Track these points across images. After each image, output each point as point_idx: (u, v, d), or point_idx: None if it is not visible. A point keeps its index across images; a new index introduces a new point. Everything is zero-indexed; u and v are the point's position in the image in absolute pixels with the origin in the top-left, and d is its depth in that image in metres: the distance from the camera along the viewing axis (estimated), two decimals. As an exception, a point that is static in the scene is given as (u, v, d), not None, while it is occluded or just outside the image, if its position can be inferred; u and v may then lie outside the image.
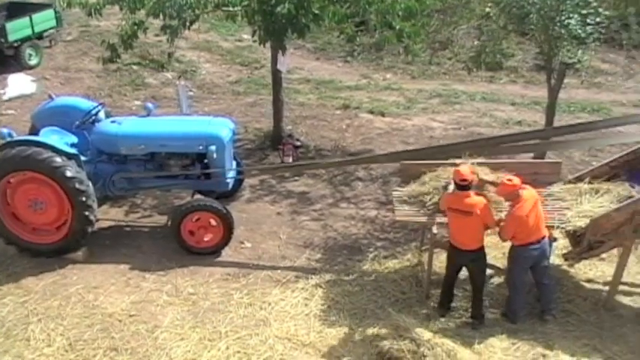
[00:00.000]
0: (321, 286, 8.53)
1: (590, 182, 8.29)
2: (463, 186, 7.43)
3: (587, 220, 7.66)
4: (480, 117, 13.83)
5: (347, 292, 8.42)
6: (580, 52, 10.53)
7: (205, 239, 9.15)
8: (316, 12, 9.95)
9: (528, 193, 7.48)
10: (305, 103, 14.54)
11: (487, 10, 11.30)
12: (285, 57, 11.55)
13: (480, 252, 7.60)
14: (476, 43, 11.28)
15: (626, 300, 8.23)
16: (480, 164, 8.27)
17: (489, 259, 7.94)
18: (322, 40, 18.48)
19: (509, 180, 7.44)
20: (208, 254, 9.15)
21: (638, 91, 14.82)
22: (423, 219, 8.06)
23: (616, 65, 16.70)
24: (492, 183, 7.96)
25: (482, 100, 14.92)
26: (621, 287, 8.19)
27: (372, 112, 13.97)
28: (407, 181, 8.51)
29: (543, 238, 7.54)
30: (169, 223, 9.32)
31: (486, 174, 8.12)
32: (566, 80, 11.68)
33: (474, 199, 7.44)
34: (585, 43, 10.35)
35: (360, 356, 7.31)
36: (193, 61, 16.94)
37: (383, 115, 13.87)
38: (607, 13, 10.55)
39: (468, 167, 7.75)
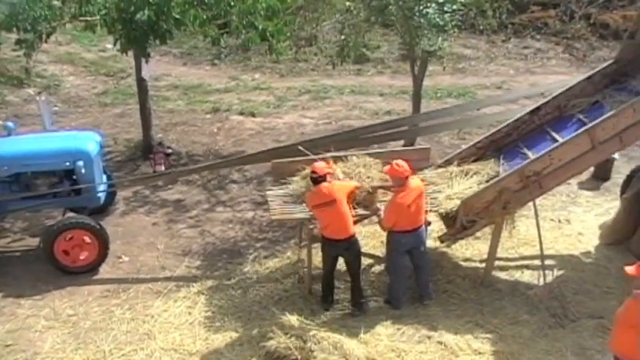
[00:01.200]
0: (203, 293, 8.41)
1: (459, 165, 8.64)
2: (316, 179, 7.57)
3: (459, 202, 7.97)
4: (349, 110, 14.11)
5: (230, 296, 8.35)
6: (440, 39, 10.91)
7: (81, 257, 8.82)
8: (177, 17, 9.85)
9: (415, 182, 7.69)
10: (174, 110, 14.33)
11: (347, 4, 11.53)
12: (149, 64, 11.36)
13: (352, 239, 7.72)
14: (340, 37, 11.49)
15: (502, 275, 8.64)
16: (348, 156, 8.43)
17: (368, 249, 8.08)
18: (188, 45, 18.27)
19: (399, 165, 7.59)
20: (85, 273, 8.82)
21: (499, 74, 15.59)
22: (299, 215, 8.10)
23: (478, 50, 17.49)
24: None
25: (351, 93, 15.22)
26: (497, 263, 8.58)
27: (242, 114, 13.96)
28: (279, 179, 8.54)
29: (420, 226, 7.76)
30: (41, 244, 8.94)
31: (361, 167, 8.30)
32: (431, 68, 12.10)
33: (329, 187, 7.57)
34: (445, 30, 10.75)
35: (248, 358, 7.25)
36: (56, 74, 16.36)
37: (253, 115, 13.89)
38: (463, 0, 10.98)
39: (322, 162, 7.88)
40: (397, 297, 8.01)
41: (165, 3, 9.67)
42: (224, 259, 9.16)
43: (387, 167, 7.77)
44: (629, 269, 5.98)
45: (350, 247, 7.74)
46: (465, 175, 8.44)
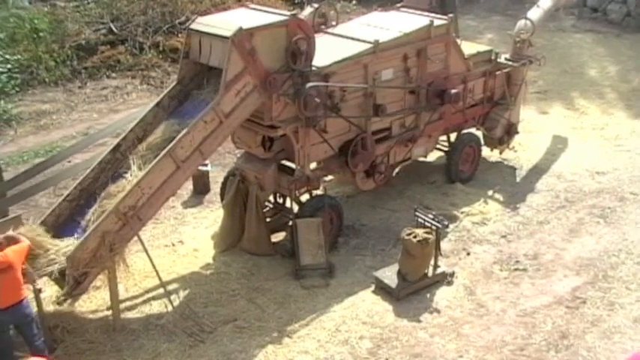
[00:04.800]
0: None
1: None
2: None
3: (64, 260, 7.93)
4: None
5: None
6: (2, 102, 10.63)
7: None
8: None
9: None
10: None
11: None
12: None
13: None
14: None
15: (132, 314, 8.84)
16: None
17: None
18: None
19: None
20: None
21: (84, 121, 15.64)
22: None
23: (57, 102, 17.24)
24: None
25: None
26: (124, 304, 8.79)
27: None
28: None
29: (16, 303, 7.50)
30: None
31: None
32: (12, 133, 11.64)
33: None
34: (5, 92, 10.50)
35: None
36: None
37: None
38: (15, 58, 10.82)
39: None
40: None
41: None
42: None
43: None
44: None
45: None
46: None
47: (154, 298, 9.05)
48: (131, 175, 8.56)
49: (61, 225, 8.75)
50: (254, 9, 10.01)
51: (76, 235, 8.40)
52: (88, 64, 18.34)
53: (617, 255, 10.09)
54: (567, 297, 9.28)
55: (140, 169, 8.53)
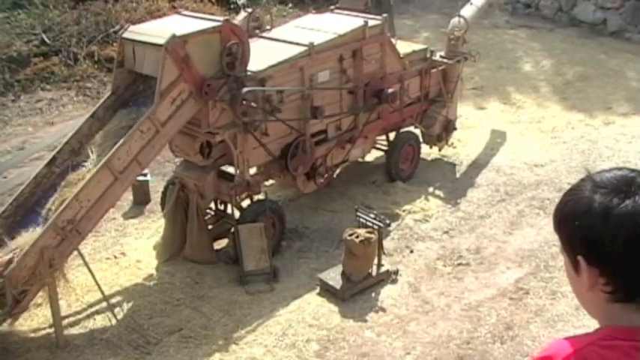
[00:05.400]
0: None
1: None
2: None
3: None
4: None
5: None
6: None
7: None
8: None
9: None
10: None
11: None
12: None
13: None
14: None
15: (76, 330, 8.69)
16: None
17: None
18: None
19: None
20: None
21: (18, 135, 15.33)
22: None
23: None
24: None
25: None
26: (67, 320, 8.68)
27: None
28: None
29: None
30: None
31: None
32: None
33: None
34: None
35: None
36: None
37: None
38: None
39: None
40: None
41: None
42: None
43: None
44: None
45: None
46: None
47: (97, 313, 8.94)
48: (90, 164, 8.54)
49: (-3, 243, 8.59)
50: (187, 15, 10.00)
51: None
52: (21, 77, 18.00)
53: (557, 245, 10.26)
54: (510, 289, 9.49)
55: (99, 156, 8.52)
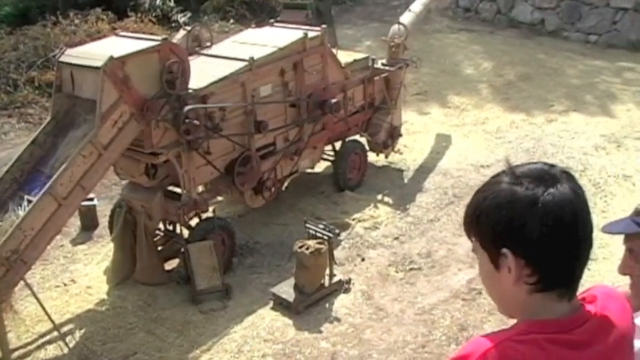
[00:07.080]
0: None
1: None
2: None
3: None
4: None
5: None
6: None
7: None
8: None
9: None
10: None
11: None
12: None
13: None
14: None
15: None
16: None
17: None
18: None
19: None
20: None
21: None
22: None
23: None
24: None
25: None
26: (16, 354, 8.55)
27: None
28: None
29: None
30: None
31: None
32: None
33: None
34: None
35: None
36: None
37: None
38: None
39: None
40: None
41: None
42: None
43: None
44: None
45: None
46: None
47: (48, 342, 8.81)
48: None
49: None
50: (125, 36, 9.99)
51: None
52: (-40, 106, 17.73)
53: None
54: (463, 290, 9.64)
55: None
